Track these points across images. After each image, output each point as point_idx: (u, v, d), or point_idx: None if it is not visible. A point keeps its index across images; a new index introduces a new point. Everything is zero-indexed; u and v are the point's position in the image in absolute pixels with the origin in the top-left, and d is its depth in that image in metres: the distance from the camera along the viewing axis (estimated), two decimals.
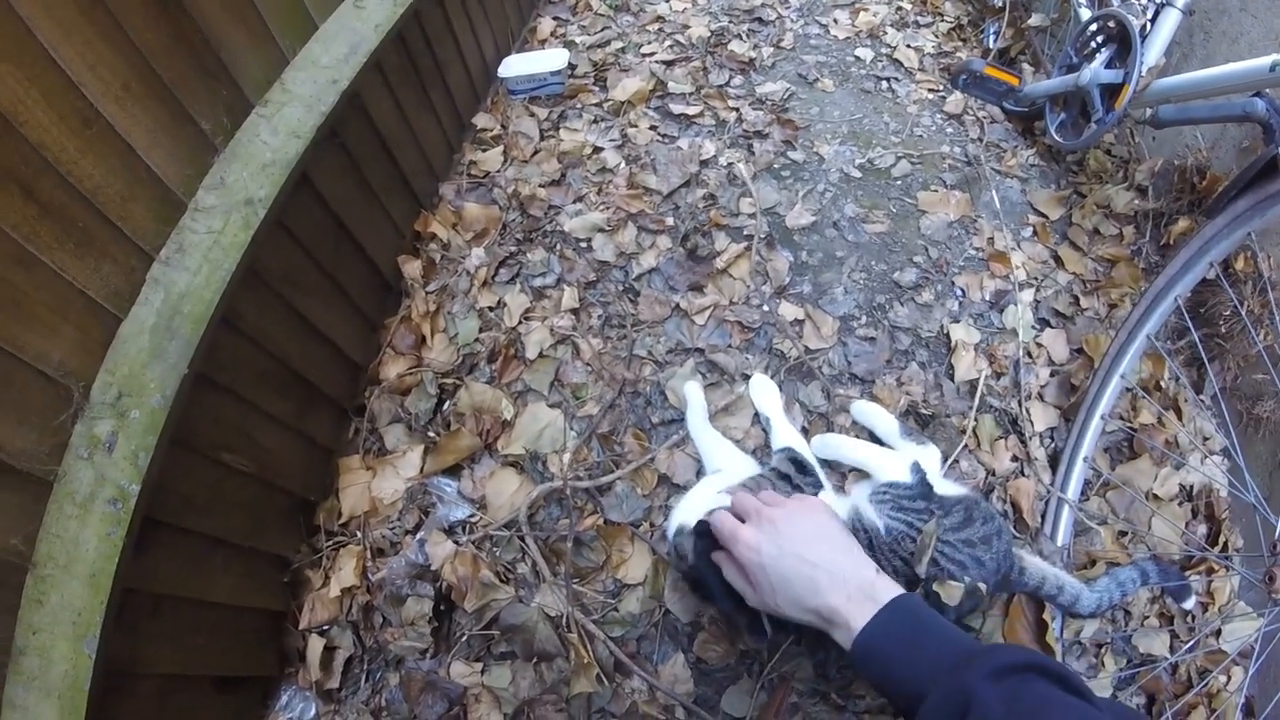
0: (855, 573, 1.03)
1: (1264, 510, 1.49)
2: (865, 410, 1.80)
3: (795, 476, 1.56)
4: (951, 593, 1.33)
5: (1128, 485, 1.76)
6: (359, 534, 1.75)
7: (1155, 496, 1.77)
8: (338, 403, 1.88)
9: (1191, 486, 1.80)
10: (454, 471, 1.81)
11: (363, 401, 1.92)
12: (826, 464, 1.75)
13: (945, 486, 1.55)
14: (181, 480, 1.36)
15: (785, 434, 1.71)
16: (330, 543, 1.75)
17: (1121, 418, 1.84)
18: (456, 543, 1.69)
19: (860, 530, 1.42)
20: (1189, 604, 1.59)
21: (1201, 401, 1.89)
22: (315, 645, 1.65)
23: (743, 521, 1.19)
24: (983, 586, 1.36)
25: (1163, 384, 1.90)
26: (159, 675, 1.36)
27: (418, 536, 1.72)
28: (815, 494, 1.52)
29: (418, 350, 2.00)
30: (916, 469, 1.55)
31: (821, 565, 1.04)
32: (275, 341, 1.60)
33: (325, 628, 1.69)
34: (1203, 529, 1.76)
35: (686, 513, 1.50)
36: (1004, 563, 1.43)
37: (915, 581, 1.34)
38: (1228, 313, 1.82)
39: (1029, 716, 0.78)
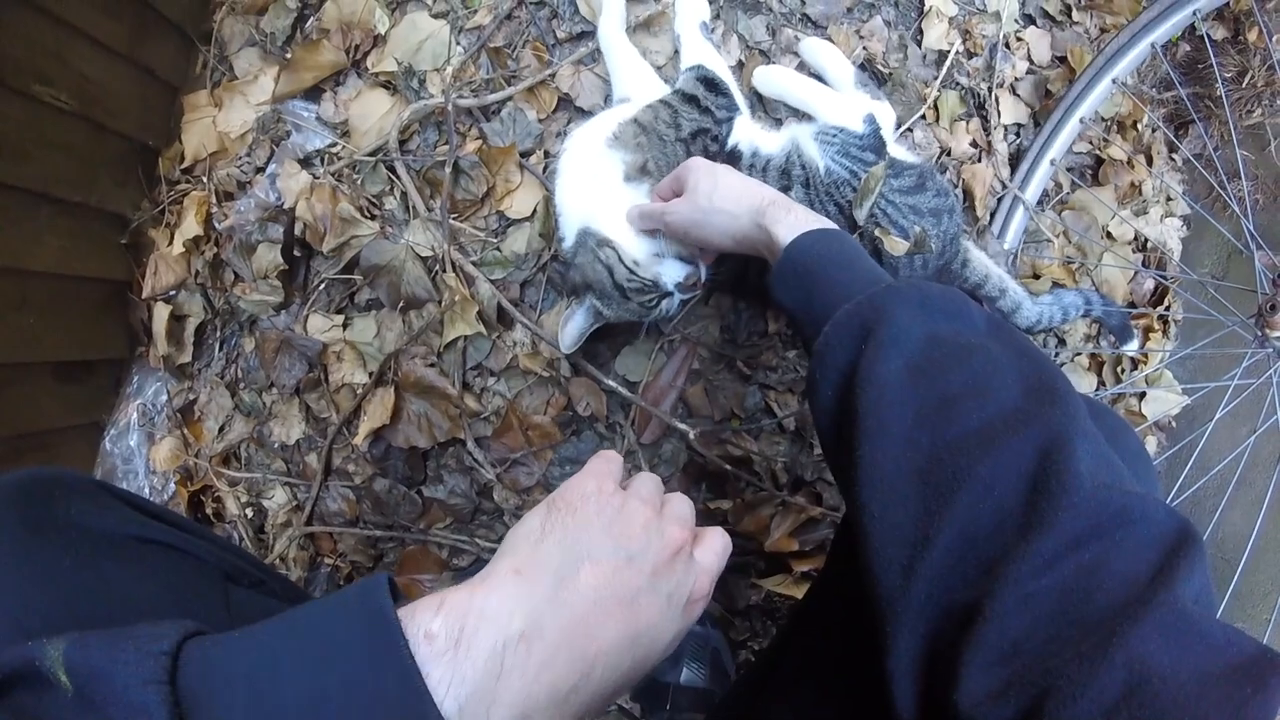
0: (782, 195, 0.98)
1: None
2: (817, 49, 1.37)
3: (706, 98, 1.20)
4: (895, 245, 1.11)
5: (1085, 211, 1.59)
6: (204, 179, 1.37)
7: (1110, 235, 1.61)
8: (180, 28, 1.44)
9: (1146, 240, 1.64)
10: (314, 94, 1.39)
11: (210, 26, 1.48)
12: (763, 103, 1.40)
13: (899, 151, 1.32)
14: None
15: (698, 51, 1.28)
16: (173, 193, 1.38)
17: (1090, 143, 1.61)
18: (313, 175, 1.32)
19: (797, 166, 1.20)
20: (1130, 347, 1.49)
21: (1173, 160, 1.68)
22: (161, 313, 1.38)
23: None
24: (930, 238, 1.11)
25: (1140, 125, 1.64)
26: None
27: (268, 171, 1.33)
28: (730, 117, 1.23)
29: None
30: (870, 120, 1.25)
31: (752, 185, 1.00)
32: None
33: (172, 293, 1.40)
34: (1150, 285, 1.64)
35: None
36: (950, 247, 1.24)
37: (852, 229, 1.15)
38: (1229, 75, 1.58)
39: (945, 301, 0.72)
